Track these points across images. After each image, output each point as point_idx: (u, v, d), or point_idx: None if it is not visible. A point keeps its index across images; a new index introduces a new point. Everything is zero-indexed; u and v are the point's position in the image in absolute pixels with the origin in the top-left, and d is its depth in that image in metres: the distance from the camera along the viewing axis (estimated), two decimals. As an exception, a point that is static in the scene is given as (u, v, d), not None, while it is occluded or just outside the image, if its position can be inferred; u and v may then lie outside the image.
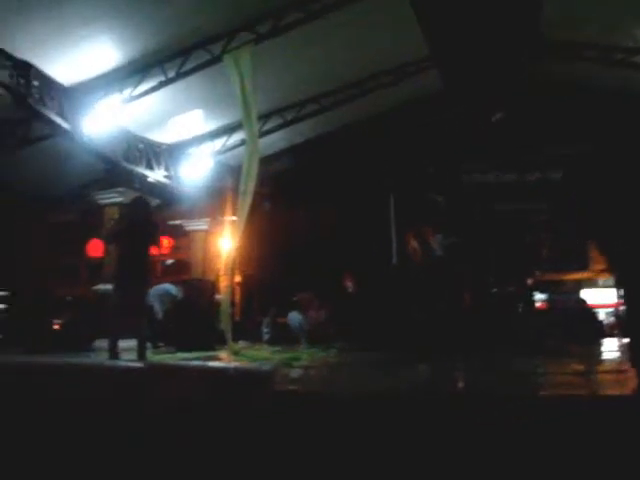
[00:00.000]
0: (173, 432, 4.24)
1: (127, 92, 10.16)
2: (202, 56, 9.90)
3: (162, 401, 4.62)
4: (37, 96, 9.54)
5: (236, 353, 8.25)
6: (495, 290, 9.22)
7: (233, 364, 6.18)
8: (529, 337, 9.06)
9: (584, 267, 11.62)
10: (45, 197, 13.02)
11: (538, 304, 11.51)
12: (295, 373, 5.95)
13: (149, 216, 6.49)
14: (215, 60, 9.78)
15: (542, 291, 11.82)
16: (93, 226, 16.87)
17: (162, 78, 10.08)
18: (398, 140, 12.17)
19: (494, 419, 3.62)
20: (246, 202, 8.26)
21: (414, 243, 11.73)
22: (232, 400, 4.47)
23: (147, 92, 10.18)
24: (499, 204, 11.24)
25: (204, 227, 14.04)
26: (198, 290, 11.05)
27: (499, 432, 3.50)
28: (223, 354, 9.07)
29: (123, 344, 6.51)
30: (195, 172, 13.05)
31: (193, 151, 13.11)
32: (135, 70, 10.01)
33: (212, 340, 10.40)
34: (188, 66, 9.97)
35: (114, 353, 6.05)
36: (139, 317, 6.26)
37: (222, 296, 8.31)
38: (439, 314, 10.28)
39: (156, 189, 12.39)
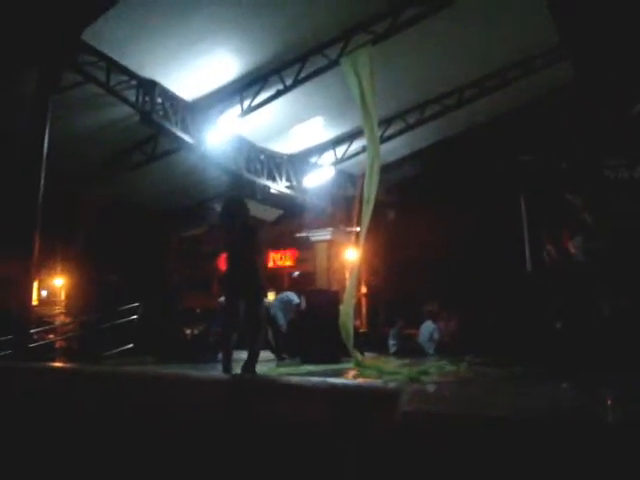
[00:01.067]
0: (283, 455, 3.90)
1: (246, 103, 10.19)
2: (319, 61, 9.70)
3: (270, 420, 4.31)
4: (161, 112, 9.81)
5: (361, 365, 7.81)
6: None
7: (356, 380, 5.74)
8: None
9: None
10: (174, 211, 13.44)
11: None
12: (424, 390, 5.40)
13: (245, 217, 6.05)
14: (332, 64, 9.51)
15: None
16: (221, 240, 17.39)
17: (280, 86, 10.00)
18: (525, 137, 11.22)
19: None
20: (369, 210, 7.82)
21: (551, 248, 10.79)
22: (353, 421, 4.06)
23: (266, 101, 10.14)
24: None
25: (328, 237, 13.85)
26: (323, 300, 10.79)
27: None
28: (350, 368, 8.72)
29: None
30: (317, 182, 12.92)
31: (315, 160, 12.99)
32: (253, 80, 10.03)
33: (339, 352, 10.10)
34: (305, 72, 9.79)
35: (225, 366, 5.83)
36: (253, 328, 6.00)
37: (342, 306, 7.91)
38: (581, 325, 9.30)
39: (279, 200, 12.38)
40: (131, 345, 10.19)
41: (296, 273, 12.44)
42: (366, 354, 10.68)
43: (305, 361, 9.95)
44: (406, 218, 13.96)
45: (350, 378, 7.03)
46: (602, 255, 10.32)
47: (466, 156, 12.44)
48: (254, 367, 5.72)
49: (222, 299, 11.47)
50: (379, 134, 8.34)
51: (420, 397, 4.75)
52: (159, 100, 9.73)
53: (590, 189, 10.60)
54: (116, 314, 10.75)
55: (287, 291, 12.03)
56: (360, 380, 6.50)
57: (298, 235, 14.79)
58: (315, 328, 10.41)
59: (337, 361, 9.83)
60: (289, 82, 9.94)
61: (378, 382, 5.93)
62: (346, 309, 7.74)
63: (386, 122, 12.18)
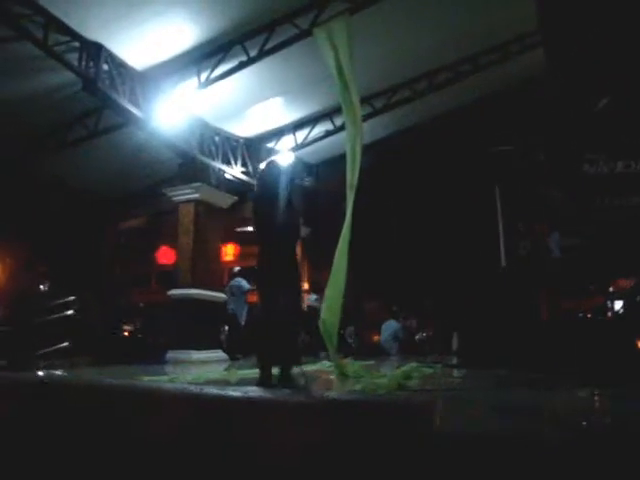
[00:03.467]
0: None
1: (204, 75, 9.14)
2: (288, 31, 8.76)
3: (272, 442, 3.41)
4: (107, 81, 8.65)
5: (343, 370, 6.91)
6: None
7: (375, 396, 4.87)
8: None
9: None
10: (117, 198, 12.20)
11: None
12: (432, 400, 4.59)
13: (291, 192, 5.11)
14: (303, 35, 8.61)
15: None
16: (164, 232, 16.26)
17: (243, 58, 8.99)
18: (502, 127, 10.68)
19: None
20: (352, 196, 6.95)
21: (526, 243, 10.29)
22: (375, 446, 3.20)
23: (227, 74, 9.12)
24: (627, 198, 9.64)
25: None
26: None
27: None
28: (320, 369, 7.92)
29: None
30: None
31: (272, 145, 12.04)
32: (213, 50, 8.99)
33: (300, 352, 9.28)
34: (272, 43, 8.84)
35: (264, 379, 4.87)
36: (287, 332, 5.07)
37: (326, 303, 6.91)
38: (558, 326, 8.80)
39: (234, 186, 11.37)
40: (66, 343, 9.01)
41: (237, 268, 11.47)
42: (321, 355, 9.94)
43: (262, 361, 9.06)
44: (368, 211, 13.22)
45: (340, 385, 6.19)
46: (580, 251, 9.93)
47: (437, 145, 11.80)
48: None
49: (173, 292, 10.47)
50: (360, 112, 7.43)
51: (449, 412, 3.95)
52: (105, 67, 8.55)
53: (568, 183, 10.19)
54: (48, 309, 9.55)
55: (236, 277, 11.10)
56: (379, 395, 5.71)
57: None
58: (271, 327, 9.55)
59: (299, 362, 9.00)
60: (253, 53, 8.96)
61: (399, 395, 5.10)
62: (332, 305, 6.77)
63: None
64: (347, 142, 7.61)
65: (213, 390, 4.88)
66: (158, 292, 17.79)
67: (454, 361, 9.62)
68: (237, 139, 11.66)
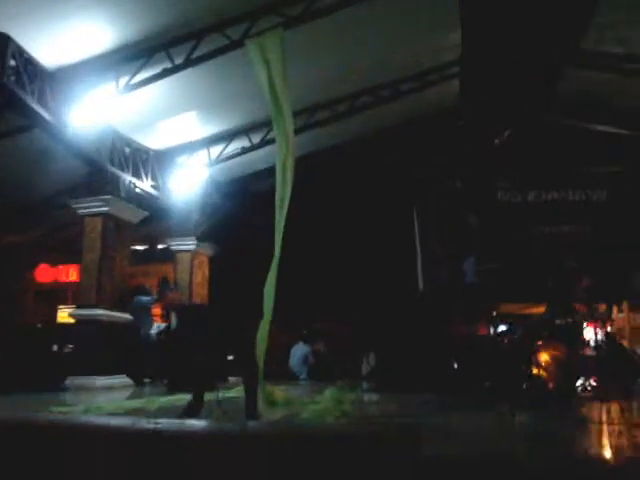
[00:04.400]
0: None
1: (124, 80, 8.53)
2: (217, 41, 8.39)
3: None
4: (13, 77, 7.81)
5: (271, 401, 6.51)
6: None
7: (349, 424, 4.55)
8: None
9: (621, 299, 10.48)
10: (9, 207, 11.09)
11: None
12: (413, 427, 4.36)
13: None
14: (233, 46, 8.29)
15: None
16: (43, 248, 15.17)
17: (167, 65, 8.50)
18: (421, 152, 10.89)
19: None
20: (283, 215, 6.68)
21: (443, 267, 10.45)
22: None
23: (149, 80, 8.57)
24: (538, 226, 10.10)
25: (191, 247, 12.32)
26: (198, 316, 9.36)
27: None
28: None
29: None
30: (185, 184, 11.41)
31: (184, 160, 11.50)
32: (135, 54, 8.41)
33: (214, 377, 8.78)
34: (200, 52, 8.43)
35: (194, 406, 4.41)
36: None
37: (263, 321, 6.47)
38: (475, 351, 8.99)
39: (144, 201, 10.68)
40: None
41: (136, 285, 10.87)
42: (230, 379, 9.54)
43: (173, 388, 8.53)
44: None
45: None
46: (494, 276, 10.24)
47: (356, 166, 11.79)
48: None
49: (77, 311, 9.58)
50: (292, 127, 7.23)
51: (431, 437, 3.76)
52: (12, 62, 7.71)
53: (484, 210, 10.53)
54: None
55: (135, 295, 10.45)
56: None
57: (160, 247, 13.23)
58: (189, 349, 9.03)
59: (213, 387, 8.56)
60: (179, 61, 8.49)
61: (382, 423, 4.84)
62: (260, 330, 6.41)
63: (267, 125, 11.13)
64: (277, 157, 7.38)
65: (167, 424, 4.36)
66: (36, 312, 16.57)
67: (367, 385, 9.62)
68: (148, 151, 11.01)
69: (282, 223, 6.77)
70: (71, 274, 19.01)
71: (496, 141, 11.38)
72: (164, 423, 4.05)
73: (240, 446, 3.29)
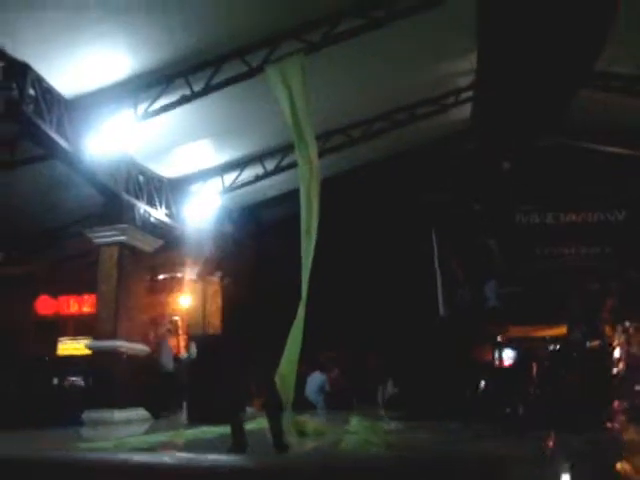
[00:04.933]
0: None
1: (142, 107, 8.46)
2: (236, 68, 8.35)
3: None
4: (32, 106, 7.74)
5: (299, 428, 6.29)
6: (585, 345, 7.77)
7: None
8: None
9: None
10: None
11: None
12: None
13: None
14: (253, 72, 8.25)
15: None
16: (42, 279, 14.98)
17: (186, 92, 8.44)
18: (437, 175, 10.83)
19: None
20: (311, 243, 6.50)
21: (464, 291, 10.30)
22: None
23: (167, 107, 8.51)
24: (557, 248, 10.01)
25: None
26: (218, 347, 9.18)
27: None
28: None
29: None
30: (199, 212, 11.28)
31: (198, 187, 11.39)
32: (154, 81, 8.37)
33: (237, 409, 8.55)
34: (218, 79, 8.38)
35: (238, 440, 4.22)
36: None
37: (286, 354, 6.29)
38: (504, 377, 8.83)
39: (158, 229, 10.54)
40: None
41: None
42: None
43: (196, 419, 8.35)
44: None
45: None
46: (515, 299, 10.10)
47: (374, 190, 11.69)
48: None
49: (92, 343, 9.37)
50: (316, 153, 7.13)
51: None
52: (31, 91, 7.65)
53: (503, 232, 10.44)
54: None
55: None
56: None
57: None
58: (211, 380, 8.84)
59: (238, 419, 8.35)
60: (197, 87, 8.44)
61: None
62: (290, 358, 6.21)
63: (284, 150, 11.09)
64: (301, 184, 7.26)
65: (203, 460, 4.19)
66: (38, 344, 16.26)
67: (391, 413, 9.42)
68: (161, 179, 10.91)
69: (310, 252, 6.57)
70: (72, 305, 18.84)
71: (505, 164, 11.35)
72: (221, 460, 3.87)
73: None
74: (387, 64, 9.37)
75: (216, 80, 8.40)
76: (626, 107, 10.62)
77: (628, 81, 10.00)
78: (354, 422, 7.87)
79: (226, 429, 7.36)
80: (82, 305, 16.31)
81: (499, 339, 10.18)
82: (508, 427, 6.80)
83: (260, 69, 8.10)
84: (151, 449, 5.29)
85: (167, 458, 4.11)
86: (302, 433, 6.32)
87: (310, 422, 6.70)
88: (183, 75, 8.37)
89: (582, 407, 6.41)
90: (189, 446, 6.13)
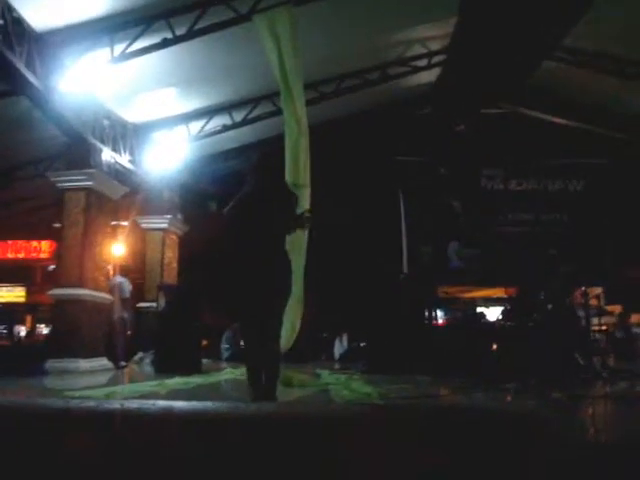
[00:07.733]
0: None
1: (119, 48, 8.08)
2: (222, 13, 8.07)
3: None
4: (1, 37, 7.24)
5: (287, 383, 6.38)
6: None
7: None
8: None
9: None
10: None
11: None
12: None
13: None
14: (240, 19, 8.00)
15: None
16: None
17: (167, 35, 8.10)
18: (406, 136, 10.94)
19: None
20: (306, 195, 6.49)
21: (427, 250, 10.57)
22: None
23: (146, 50, 8.14)
24: (518, 214, 10.43)
25: (164, 225, 11.92)
26: (183, 297, 9.14)
27: None
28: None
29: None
30: (161, 161, 10.98)
31: (162, 135, 11.05)
32: (133, 21, 7.97)
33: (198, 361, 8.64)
34: (203, 23, 8.08)
35: (255, 389, 4.21)
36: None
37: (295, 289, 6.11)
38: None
39: (123, 176, 10.20)
40: None
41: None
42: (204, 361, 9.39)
43: (160, 370, 8.37)
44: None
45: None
46: (476, 261, 10.47)
47: (340, 148, 11.68)
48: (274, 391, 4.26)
49: (55, 292, 9.03)
50: (304, 106, 7.07)
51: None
52: (0, 21, 7.16)
53: (467, 195, 10.73)
54: None
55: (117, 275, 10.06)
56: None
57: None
58: (177, 331, 8.83)
59: (200, 371, 8.42)
60: (180, 31, 8.11)
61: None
62: (298, 293, 6.16)
63: (254, 101, 10.91)
64: (287, 138, 7.20)
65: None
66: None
67: (360, 367, 9.60)
68: (125, 124, 10.51)
69: (307, 202, 6.55)
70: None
71: (459, 127, 11.55)
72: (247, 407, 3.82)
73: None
74: (368, 20, 9.30)
75: (200, 25, 8.10)
76: (586, 83, 11.04)
77: (593, 57, 10.38)
78: (325, 375, 8.03)
79: (202, 379, 7.45)
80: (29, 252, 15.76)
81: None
82: (477, 381, 6.95)
83: (248, 17, 7.90)
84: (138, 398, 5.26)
85: (181, 404, 3.99)
86: (288, 384, 6.43)
87: (297, 374, 6.82)
88: (165, 17, 8.02)
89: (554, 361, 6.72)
90: (185, 395, 6.09)
